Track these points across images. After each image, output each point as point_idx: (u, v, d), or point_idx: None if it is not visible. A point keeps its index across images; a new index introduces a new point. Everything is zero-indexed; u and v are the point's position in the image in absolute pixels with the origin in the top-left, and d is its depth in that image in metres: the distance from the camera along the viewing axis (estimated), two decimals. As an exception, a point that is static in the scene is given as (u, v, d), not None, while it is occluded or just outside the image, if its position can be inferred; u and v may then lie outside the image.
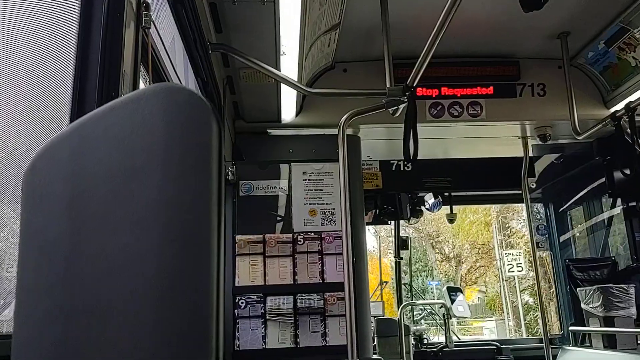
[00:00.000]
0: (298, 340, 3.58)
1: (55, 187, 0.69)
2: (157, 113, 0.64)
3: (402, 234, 6.09)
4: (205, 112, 0.64)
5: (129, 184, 0.65)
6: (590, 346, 4.65)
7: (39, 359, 0.69)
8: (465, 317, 6.59)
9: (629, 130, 4.02)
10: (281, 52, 3.26)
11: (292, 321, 3.60)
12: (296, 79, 3.58)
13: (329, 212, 3.82)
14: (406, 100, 3.16)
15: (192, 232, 0.65)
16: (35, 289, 0.70)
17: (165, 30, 2.22)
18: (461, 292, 5.51)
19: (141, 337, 0.65)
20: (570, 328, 5.04)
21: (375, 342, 4.81)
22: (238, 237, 3.72)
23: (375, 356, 3.92)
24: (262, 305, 3.61)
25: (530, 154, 4.93)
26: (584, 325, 4.67)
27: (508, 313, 23.15)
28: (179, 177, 0.64)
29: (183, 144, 0.64)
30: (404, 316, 5.25)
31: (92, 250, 0.66)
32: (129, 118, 0.66)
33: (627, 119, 3.92)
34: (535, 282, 4.94)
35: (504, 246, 23.31)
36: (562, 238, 5.70)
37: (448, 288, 5.53)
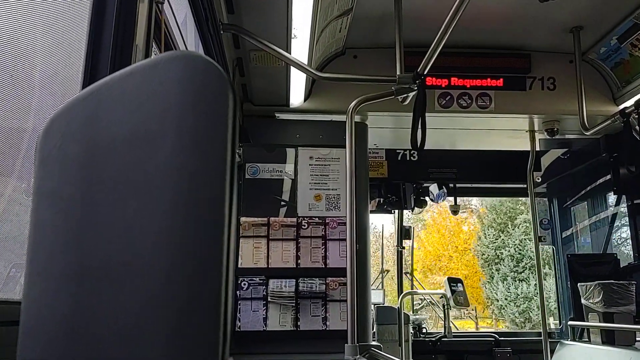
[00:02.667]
0: (298, 323, 3.61)
1: (70, 149, 0.69)
2: (173, 79, 0.65)
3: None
4: (221, 81, 0.64)
5: (143, 149, 0.66)
6: (589, 341, 4.66)
7: (49, 320, 0.69)
8: (465, 307, 6.60)
9: (637, 127, 4.01)
10: (292, 36, 3.25)
11: (294, 304, 3.62)
12: (306, 63, 3.57)
13: (334, 197, 3.83)
14: (416, 88, 3.16)
15: (204, 200, 0.66)
16: (48, 250, 0.70)
17: (178, 8, 2.22)
18: (461, 282, 5.52)
19: (150, 305, 0.66)
20: (569, 323, 5.05)
21: (374, 329, 4.84)
22: (242, 219, 3.74)
23: (374, 342, 3.94)
24: (264, 287, 3.64)
25: (537, 148, 4.92)
26: (583, 320, 4.68)
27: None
28: (193, 145, 0.64)
29: (198, 111, 0.64)
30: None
31: (105, 212, 0.67)
32: (145, 83, 0.66)
33: (637, 116, 3.91)
34: (537, 274, 4.95)
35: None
36: (564, 233, 5.70)
37: (449, 279, 5.54)
